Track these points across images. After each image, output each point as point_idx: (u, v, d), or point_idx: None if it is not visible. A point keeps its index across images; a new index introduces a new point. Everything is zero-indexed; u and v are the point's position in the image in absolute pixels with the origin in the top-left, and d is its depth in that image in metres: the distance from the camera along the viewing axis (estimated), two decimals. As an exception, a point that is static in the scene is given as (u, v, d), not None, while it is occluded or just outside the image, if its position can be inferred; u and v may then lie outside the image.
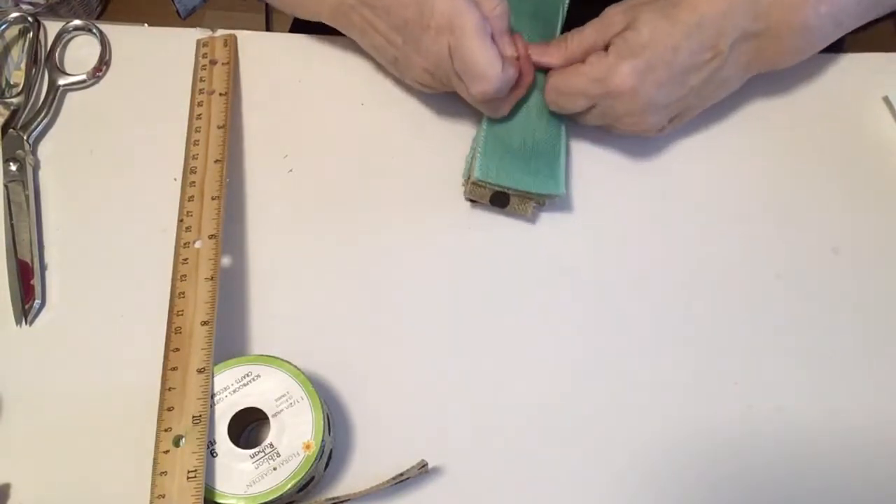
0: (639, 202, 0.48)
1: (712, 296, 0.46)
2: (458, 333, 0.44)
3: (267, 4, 0.86)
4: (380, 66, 0.52)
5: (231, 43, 0.52)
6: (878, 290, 0.46)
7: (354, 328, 0.44)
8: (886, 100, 0.51)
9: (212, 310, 0.41)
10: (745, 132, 0.50)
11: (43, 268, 0.46)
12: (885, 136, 0.50)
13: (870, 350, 0.44)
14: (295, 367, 0.39)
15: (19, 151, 0.48)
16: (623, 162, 0.50)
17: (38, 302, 0.44)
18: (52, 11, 1.34)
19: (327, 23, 0.49)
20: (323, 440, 0.37)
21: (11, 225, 0.46)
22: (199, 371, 0.39)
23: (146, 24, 0.54)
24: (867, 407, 0.43)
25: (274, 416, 0.38)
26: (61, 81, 0.51)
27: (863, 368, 0.44)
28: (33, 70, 0.51)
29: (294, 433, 0.37)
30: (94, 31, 0.53)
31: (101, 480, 0.41)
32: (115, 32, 0.53)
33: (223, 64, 0.51)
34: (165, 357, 0.40)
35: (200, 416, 0.37)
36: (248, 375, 0.39)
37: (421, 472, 0.40)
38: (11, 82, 0.51)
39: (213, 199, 0.45)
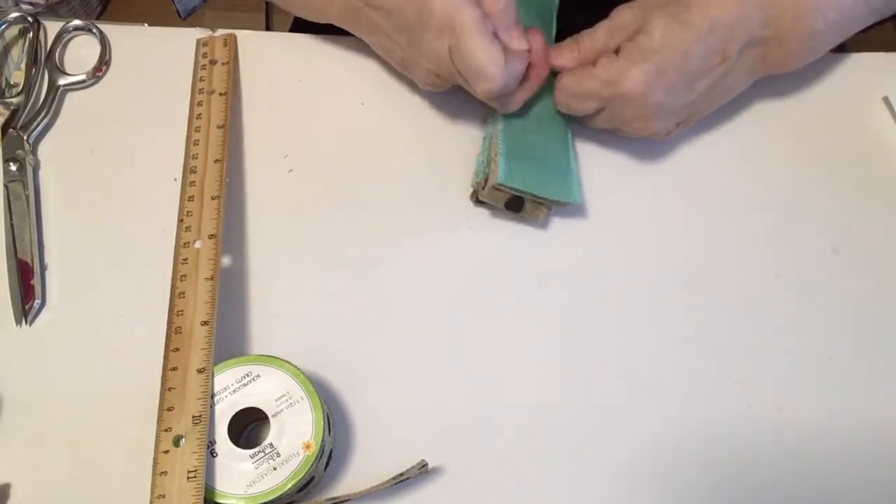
0: (638, 202, 0.48)
1: (712, 296, 0.46)
2: (459, 333, 0.44)
3: (267, 4, 0.86)
4: (381, 66, 0.52)
5: (231, 43, 0.52)
6: (878, 290, 0.46)
7: (354, 328, 0.44)
8: (886, 100, 0.51)
9: (212, 310, 0.41)
10: (745, 132, 0.50)
11: (43, 268, 0.46)
12: (885, 136, 0.50)
13: (870, 350, 0.44)
14: (295, 367, 0.39)
15: (19, 151, 0.48)
16: (623, 162, 0.50)
17: (38, 302, 0.44)
18: (52, 11, 1.34)
19: (337, 24, 0.49)
20: (323, 440, 0.37)
21: (11, 225, 0.46)
22: (199, 371, 0.39)
23: (146, 24, 0.54)
24: (867, 407, 0.43)
25: (274, 416, 0.38)
26: (61, 81, 0.51)
27: (863, 368, 0.44)
28: (33, 70, 0.51)
29: (294, 433, 0.37)
30: (94, 31, 0.53)
31: (101, 480, 0.41)
32: (115, 32, 0.53)
33: (223, 64, 0.51)
34: (165, 357, 0.40)
35: (200, 416, 0.37)
36: (248, 375, 0.39)
37: (421, 472, 0.40)
38: (11, 82, 0.51)
39: (213, 199, 0.45)
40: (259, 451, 0.37)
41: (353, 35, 0.49)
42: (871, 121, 0.51)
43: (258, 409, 0.38)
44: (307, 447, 0.37)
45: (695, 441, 0.42)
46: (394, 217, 0.48)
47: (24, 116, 0.49)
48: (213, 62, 0.51)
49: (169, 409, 0.38)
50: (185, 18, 0.59)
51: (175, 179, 0.47)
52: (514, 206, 0.45)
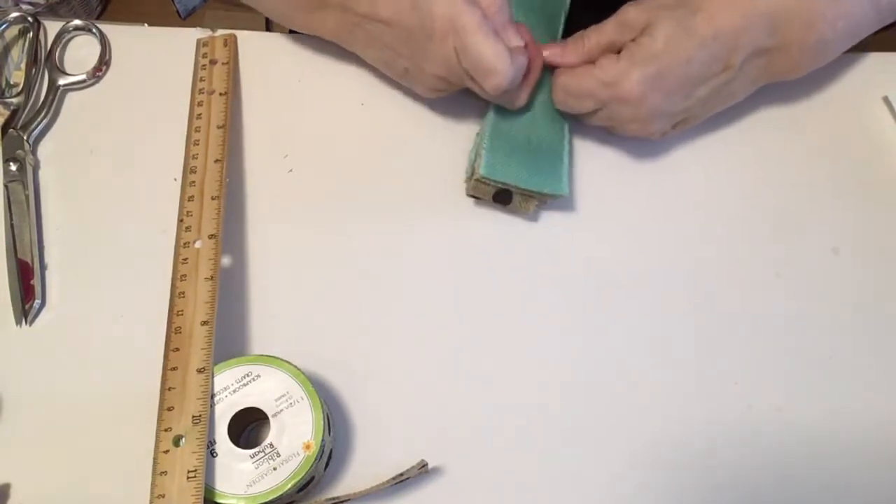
0: (639, 201, 0.48)
1: (712, 296, 0.46)
2: (459, 333, 0.44)
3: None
4: (380, 66, 0.52)
5: (231, 43, 0.52)
6: (878, 290, 0.46)
7: (354, 328, 0.44)
8: (886, 100, 0.51)
9: (212, 310, 0.41)
10: (744, 132, 0.50)
11: (43, 268, 0.46)
12: (885, 136, 0.50)
13: (870, 350, 0.44)
14: (295, 367, 0.39)
15: (19, 151, 0.48)
16: (624, 161, 0.50)
17: (38, 302, 0.44)
18: (52, 11, 1.34)
19: (329, 39, 0.48)
20: (323, 440, 0.37)
21: (11, 225, 0.46)
22: (199, 371, 0.39)
23: (146, 24, 0.54)
24: (867, 407, 0.43)
25: (274, 416, 0.38)
26: (61, 81, 0.51)
27: (863, 368, 0.44)
28: (33, 70, 0.51)
29: (294, 433, 0.37)
30: (94, 31, 0.53)
31: (102, 480, 0.41)
32: (115, 32, 0.53)
33: (223, 64, 0.51)
34: (165, 357, 0.40)
35: (200, 415, 0.37)
36: (248, 375, 0.39)
37: (421, 472, 0.40)
38: (11, 82, 0.51)
39: (213, 198, 0.45)
40: (259, 451, 0.37)
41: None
42: (871, 121, 0.51)
43: (258, 409, 0.38)
44: (307, 447, 0.37)
45: (695, 441, 0.42)
46: (394, 217, 0.48)
47: (24, 116, 0.49)
48: (213, 62, 0.51)
49: (169, 409, 0.38)
50: (185, 18, 0.59)
51: (175, 179, 0.47)
52: (503, 198, 0.45)
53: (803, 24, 0.43)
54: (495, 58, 0.41)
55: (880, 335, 0.45)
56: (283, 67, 0.52)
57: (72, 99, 0.51)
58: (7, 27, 0.52)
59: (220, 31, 0.53)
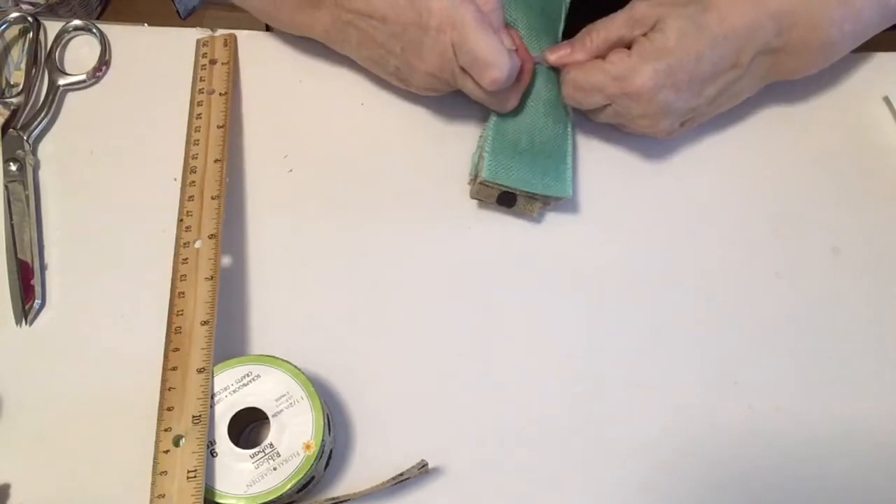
0: (641, 202, 0.48)
1: (713, 296, 0.46)
2: (459, 333, 0.44)
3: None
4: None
5: (231, 43, 0.52)
6: (878, 290, 0.46)
7: (354, 328, 0.44)
8: (886, 100, 0.51)
9: (212, 310, 0.41)
10: (745, 132, 0.50)
11: (43, 268, 0.46)
12: (886, 136, 0.50)
13: (870, 350, 0.44)
14: (295, 367, 0.39)
15: (19, 151, 0.48)
16: (626, 162, 0.50)
17: (38, 302, 0.44)
18: (52, 11, 1.33)
19: (319, 39, 0.48)
20: (323, 440, 0.37)
21: (11, 225, 0.46)
22: (199, 371, 0.39)
23: (146, 24, 0.54)
24: (867, 407, 0.43)
25: (274, 416, 0.38)
26: (61, 81, 0.51)
27: (863, 368, 0.44)
28: (33, 70, 0.51)
29: (294, 433, 0.37)
30: (94, 31, 0.53)
31: (101, 480, 0.41)
32: (115, 32, 0.53)
33: (223, 64, 0.51)
34: (165, 357, 0.40)
35: (200, 415, 0.37)
36: (248, 375, 0.39)
37: (421, 472, 0.40)
38: (11, 82, 0.51)
39: (213, 198, 0.45)
40: (259, 451, 0.37)
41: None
42: (871, 121, 0.51)
43: (258, 409, 0.38)
44: (307, 447, 0.37)
45: (695, 441, 0.42)
46: (394, 217, 0.48)
47: (24, 116, 0.49)
48: (213, 62, 0.51)
49: (169, 409, 0.38)
50: (185, 18, 0.59)
51: (175, 179, 0.47)
52: (507, 201, 0.45)
53: (811, 25, 0.43)
54: (494, 51, 0.41)
55: (880, 335, 0.45)
56: (283, 67, 0.52)
57: (72, 99, 0.51)
58: (7, 27, 0.52)
59: (220, 31, 0.53)
